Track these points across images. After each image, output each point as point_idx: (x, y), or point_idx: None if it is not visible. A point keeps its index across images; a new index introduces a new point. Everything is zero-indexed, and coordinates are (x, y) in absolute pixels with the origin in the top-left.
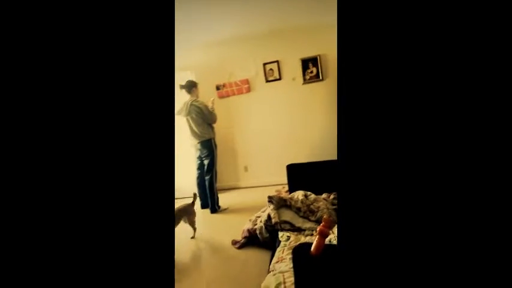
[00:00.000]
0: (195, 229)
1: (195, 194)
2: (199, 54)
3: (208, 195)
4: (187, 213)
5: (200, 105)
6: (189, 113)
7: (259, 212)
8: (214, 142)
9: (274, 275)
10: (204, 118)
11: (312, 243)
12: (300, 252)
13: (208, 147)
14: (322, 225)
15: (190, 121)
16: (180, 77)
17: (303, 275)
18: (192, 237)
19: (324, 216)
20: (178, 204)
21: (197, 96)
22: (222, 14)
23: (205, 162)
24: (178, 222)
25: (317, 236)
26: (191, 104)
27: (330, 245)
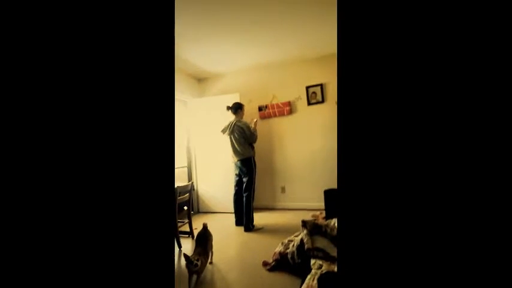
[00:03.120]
0: (212, 253)
1: (204, 224)
2: (245, 77)
3: (244, 213)
4: (205, 238)
5: (243, 126)
6: (232, 132)
7: (292, 236)
8: (254, 161)
9: None
10: (246, 138)
11: None
12: (326, 281)
13: (248, 165)
14: None
15: (233, 140)
16: (228, 99)
17: None
18: (210, 263)
19: None
20: (215, 220)
21: (241, 117)
22: (269, 38)
23: (244, 179)
24: (198, 247)
25: None
26: (235, 124)
27: None
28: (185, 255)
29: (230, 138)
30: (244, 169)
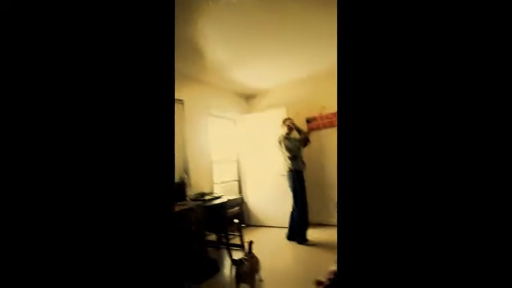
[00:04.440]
0: (260, 269)
1: (250, 242)
2: (291, 90)
3: (296, 224)
4: (253, 262)
5: (278, 138)
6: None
7: None
8: (295, 174)
9: None
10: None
11: None
12: None
13: (288, 179)
14: None
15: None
16: (273, 114)
17: None
18: (260, 280)
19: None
20: (266, 234)
21: (286, 132)
22: (312, 49)
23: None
24: (245, 271)
25: None
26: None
27: None
28: (232, 259)
29: None
30: (287, 183)
